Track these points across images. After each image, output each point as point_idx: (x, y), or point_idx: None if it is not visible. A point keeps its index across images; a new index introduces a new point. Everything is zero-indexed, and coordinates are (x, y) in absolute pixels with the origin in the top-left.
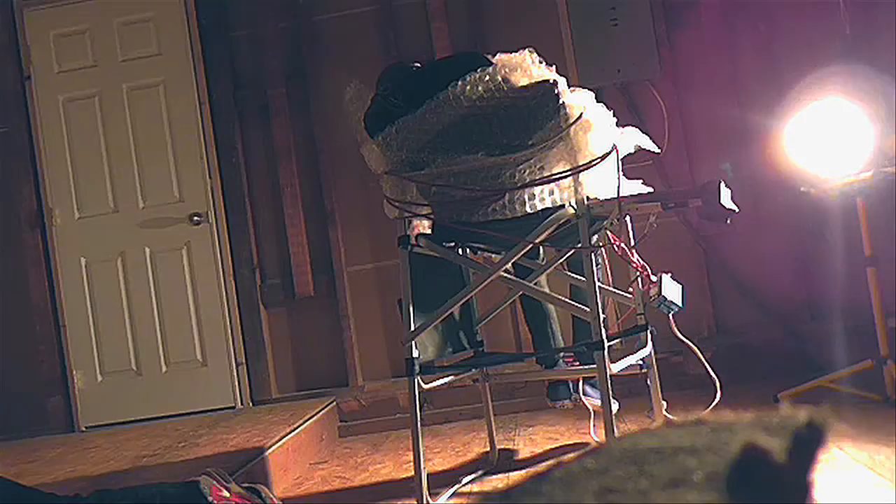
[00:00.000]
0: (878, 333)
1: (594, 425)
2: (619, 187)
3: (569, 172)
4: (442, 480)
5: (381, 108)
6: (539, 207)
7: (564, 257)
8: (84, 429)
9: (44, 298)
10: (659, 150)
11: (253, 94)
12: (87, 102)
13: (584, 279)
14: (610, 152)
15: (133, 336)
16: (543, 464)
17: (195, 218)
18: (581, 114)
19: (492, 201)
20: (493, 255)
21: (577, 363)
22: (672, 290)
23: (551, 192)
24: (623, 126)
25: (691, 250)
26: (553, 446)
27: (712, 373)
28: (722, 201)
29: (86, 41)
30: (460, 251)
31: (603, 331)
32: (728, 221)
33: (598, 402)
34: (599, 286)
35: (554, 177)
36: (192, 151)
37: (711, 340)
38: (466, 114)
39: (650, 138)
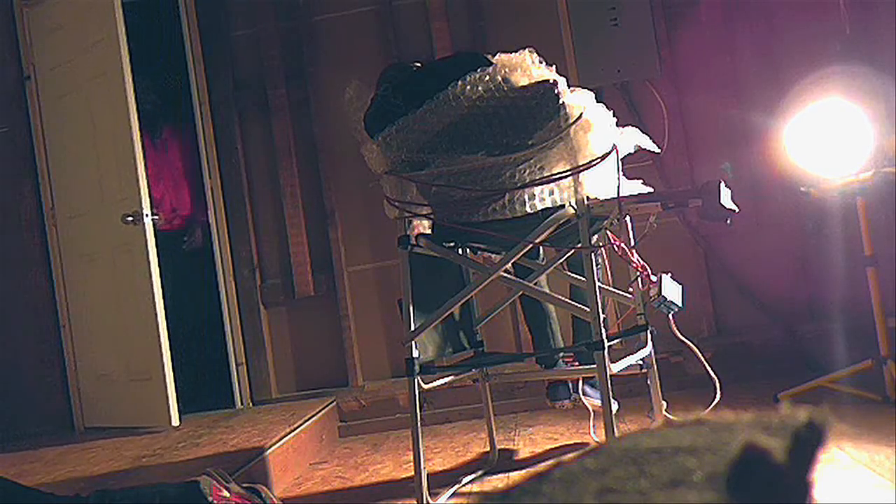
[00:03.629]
0: (878, 333)
1: (594, 425)
2: (619, 187)
3: (569, 172)
4: (442, 480)
5: (381, 108)
6: (539, 207)
7: (564, 257)
8: (84, 429)
9: (44, 298)
10: (659, 150)
11: (253, 94)
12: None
13: (584, 279)
14: (610, 152)
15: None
16: (543, 464)
17: None
18: (581, 114)
19: (492, 201)
20: (493, 255)
21: (577, 363)
22: (672, 290)
23: (551, 192)
24: (623, 126)
25: (691, 250)
26: (553, 446)
27: (712, 373)
28: (722, 201)
29: None
30: (460, 251)
31: (603, 331)
32: (728, 221)
33: (598, 402)
34: (599, 286)
35: (554, 177)
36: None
37: (711, 340)
38: (466, 114)
39: (650, 138)
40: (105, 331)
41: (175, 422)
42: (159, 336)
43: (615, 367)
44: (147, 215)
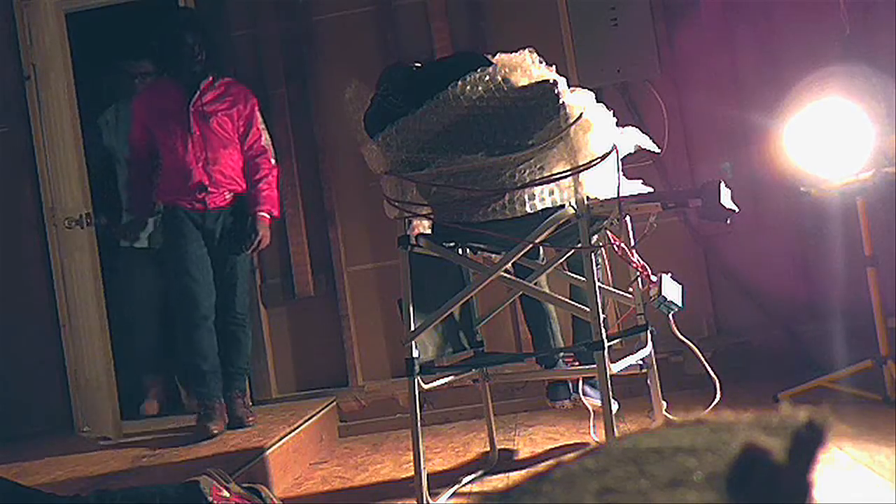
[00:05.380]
0: (878, 333)
1: (594, 425)
2: (619, 187)
3: (569, 172)
4: (442, 480)
5: (381, 108)
6: (539, 207)
7: (564, 257)
8: (84, 429)
9: (44, 298)
10: (659, 150)
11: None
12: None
13: (584, 279)
14: (610, 152)
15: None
16: (543, 464)
17: None
18: (581, 114)
19: (492, 201)
20: (493, 255)
21: (577, 363)
22: (672, 290)
23: (551, 192)
24: (623, 126)
25: (691, 250)
26: (553, 446)
27: (712, 373)
28: (722, 201)
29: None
30: (460, 251)
31: (603, 331)
32: (728, 221)
33: (598, 402)
34: (599, 286)
35: (554, 177)
36: None
37: (711, 340)
38: (466, 114)
39: (650, 138)
40: (85, 333)
41: (117, 435)
42: (102, 344)
43: (615, 367)
44: (87, 221)
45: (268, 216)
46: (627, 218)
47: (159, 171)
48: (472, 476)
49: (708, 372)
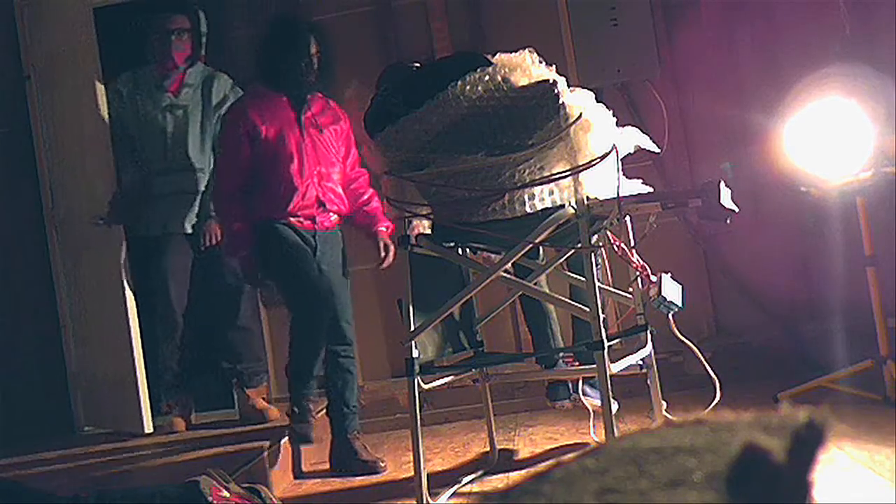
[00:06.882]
0: (878, 333)
1: (594, 425)
2: (619, 187)
3: (569, 172)
4: (442, 480)
5: (381, 108)
6: (539, 207)
7: (564, 257)
8: (84, 430)
9: (44, 298)
10: (659, 150)
11: None
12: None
13: (584, 279)
14: (610, 152)
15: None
16: (543, 464)
17: None
18: (581, 114)
19: (492, 201)
20: (493, 255)
21: (577, 363)
22: (672, 290)
23: (551, 192)
24: (623, 126)
25: (691, 250)
26: (553, 446)
27: (712, 373)
28: (722, 201)
29: None
30: (460, 251)
31: (603, 331)
32: (728, 221)
33: (598, 402)
34: (599, 286)
35: (554, 177)
36: None
37: (711, 340)
38: (466, 114)
39: (650, 138)
40: (96, 333)
41: (148, 428)
42: (131, 341)
43: (615, 367)
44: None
45: (387, 230)
46: (627, 218)
47: (259, 188)
48: (472, 476)
49: (708, 372)
